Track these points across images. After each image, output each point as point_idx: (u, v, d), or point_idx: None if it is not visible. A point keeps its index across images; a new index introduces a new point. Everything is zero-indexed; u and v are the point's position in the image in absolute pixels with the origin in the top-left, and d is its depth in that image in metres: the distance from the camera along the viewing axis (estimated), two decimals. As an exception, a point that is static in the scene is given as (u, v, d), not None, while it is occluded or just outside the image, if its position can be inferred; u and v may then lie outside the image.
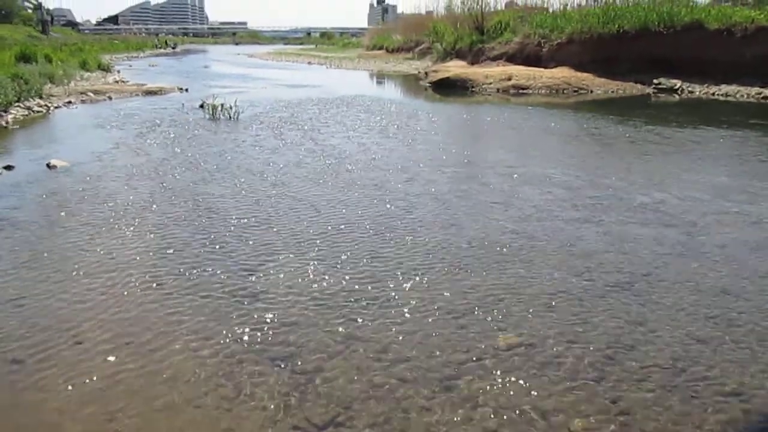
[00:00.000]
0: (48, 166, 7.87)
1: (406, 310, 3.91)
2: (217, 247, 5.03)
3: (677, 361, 3.34)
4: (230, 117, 12.49)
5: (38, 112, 13.41)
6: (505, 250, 4.97)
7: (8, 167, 7.79)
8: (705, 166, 8.17)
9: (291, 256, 4.83)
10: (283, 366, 3.29)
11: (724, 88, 16.84)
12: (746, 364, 3.32)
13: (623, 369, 3.26)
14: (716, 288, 4.27)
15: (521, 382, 3.14)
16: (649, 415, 2.90)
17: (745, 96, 16.18)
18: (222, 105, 12.68)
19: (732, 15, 17.88)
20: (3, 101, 12.21)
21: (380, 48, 45.10)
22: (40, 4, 68.79)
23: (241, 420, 2.86)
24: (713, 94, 16.84)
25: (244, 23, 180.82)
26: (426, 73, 23.27)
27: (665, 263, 4.71)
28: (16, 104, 13.09)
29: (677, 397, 3.02)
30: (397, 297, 4.10)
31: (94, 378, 3.16)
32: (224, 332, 3.63)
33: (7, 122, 11.68)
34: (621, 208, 6.12)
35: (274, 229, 5.47)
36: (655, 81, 18.02)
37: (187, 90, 18.83)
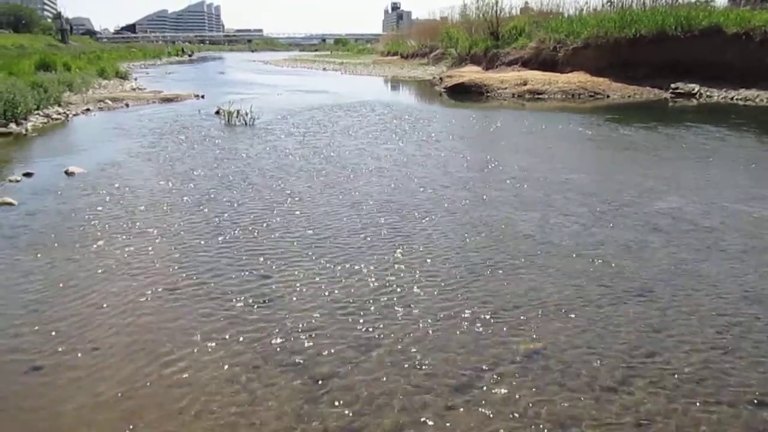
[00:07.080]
0: (66, 173, 7.96)
1: (422, 315, 3.89)
2: (234, 253, 5.04)
3: (697, 369, 3.27)
4: (246, 123, 12.55)
5: (57, 119, 13.60)
6: (522, 255, 4.93)
7: (27, 174, 7.89)
8: (724, 171, 8.05)
9: (306, 262, 4.83)
10: (298, 372, 3.28)
11: (743, 93, 16.61)
12: (769, 373, 3.25)
13: (642, 377, 3.21)
14: (736, 294, 4.19)
15: (538, 389, 3.10)
16: (668, 423, 2.84)
17: (765, 100, 15.96)
18: (238, 111, 12.75)
19: (750, 19, 17.64)
20: (23, 109, 12.39)
21: (395, 54, 45.33)
22: (59, 14, 70.05)
23: (257, 427, 2.85)
24: (732, 98, 16.62)
25: (260, 30, 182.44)
26: (441, 79, 23.29)
27: (685, 269, 4.63)
28: (36, 112, 13.30)
29: (697, 406, 2.96)
30: (413, 302, 4.08)
31: (111, 384, 3.17)
32: (240, 338, 3.63)
33: (26, 130, 11.85)
34: (640, 214, 6.04)
35: (290, 236, 5.47)
36: (672, 85, 17.83)
37: (203, 97, 19.00)
